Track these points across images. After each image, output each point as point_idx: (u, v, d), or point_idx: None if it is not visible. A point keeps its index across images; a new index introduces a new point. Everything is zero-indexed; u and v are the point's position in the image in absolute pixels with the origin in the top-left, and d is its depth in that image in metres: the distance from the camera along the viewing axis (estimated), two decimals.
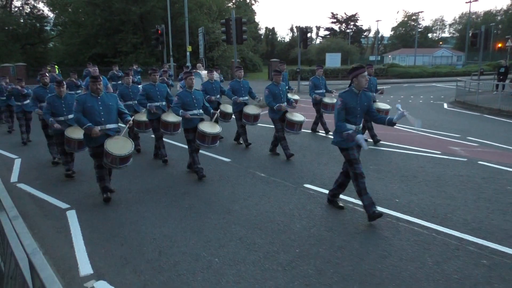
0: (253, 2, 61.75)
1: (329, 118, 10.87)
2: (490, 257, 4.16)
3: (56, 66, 21.95)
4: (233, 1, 56.46)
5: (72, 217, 5.53)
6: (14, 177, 7.50)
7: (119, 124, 6.13)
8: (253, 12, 60.51)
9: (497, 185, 6.44)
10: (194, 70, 16.20)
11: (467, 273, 3.86)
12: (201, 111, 7.04)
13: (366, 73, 4.97)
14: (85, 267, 4.18)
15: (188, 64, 27.03)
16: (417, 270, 3.95)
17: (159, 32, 22.24)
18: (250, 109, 8.97)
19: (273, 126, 8.43)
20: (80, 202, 6.07)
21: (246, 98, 9.18)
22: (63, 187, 6.83)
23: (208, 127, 6.90)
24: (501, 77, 21.43)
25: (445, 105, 18.40)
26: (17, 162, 8.56)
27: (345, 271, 3.97)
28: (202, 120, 7.01)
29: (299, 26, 25.98)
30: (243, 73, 9.41)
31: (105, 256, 4.42)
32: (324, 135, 10.74)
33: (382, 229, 4.90)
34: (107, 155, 5.69)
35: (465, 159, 8.05)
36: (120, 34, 36.19)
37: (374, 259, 4.20)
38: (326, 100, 10.23)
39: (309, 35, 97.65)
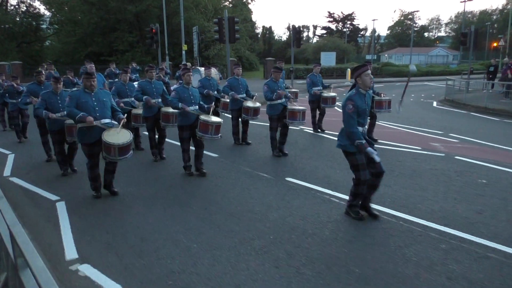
0: (249, 1, 62.18)
1: (328, 116, 11.19)
2: (449, 242, 4.47)
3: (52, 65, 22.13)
4: (230, 0, 56.86)
5: (61, 208, 5.80)
6: (7, 171, 7.75)
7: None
8: (249, 11, 60.88)
9: (468, 178, 6.76)
10: (193, 67, 16.25)
11: (424, 256, 4.16)
12: (197, 107, 7.10)
13: (369, 71, 4.86)
14: (71, 252, 4.46)
15: (184, 62, 27.32)
16: (379, 254, 4.25)
17: (153, 31, 22.54)
18: (251, 103, 9.06)
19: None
20: (69, 194, 6.33)
21: (244, 95, 9.30)
22: (54, 181, 7.10)
23: (209, 117, 6.93)
24: (490, 76, 21.79)
25: (435, 103, 18.74)
26: (11, 158, 8.82)
27: (313, 254, 4.27)
28: (198, 116, 7.02)
29: (293, 25, 26.24)
30: (241, 70, 9.54)
31: (90, 242, 4.70)
32: (311, 132, 11.01)
33: (352, 218, 5.19)
34: (105, 147, 5.66)
35: (443, 154, 8.36)
36: (116, 32, 36.46)
37: (342, 244, 4.50)
38: (325, 94, 10.37)
39: (306, 34, 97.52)
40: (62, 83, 7.37)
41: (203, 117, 6.84)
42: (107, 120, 5.92)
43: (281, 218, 5.25)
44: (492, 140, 9.94)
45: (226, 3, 53.13)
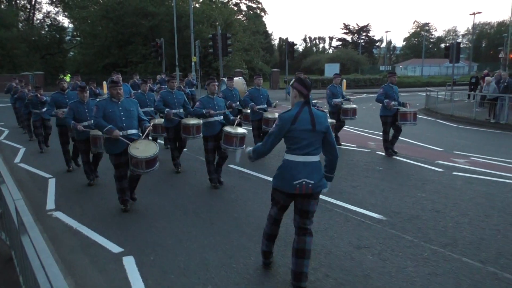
0: (262, 14, 64.76)
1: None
2: (334, 210, 5.98)
3: (68, 75, 24.64)
4: (243, 14, 59.37)
5: (51, 182, 7.79)
6: (17, 159, 9.83)
7: None
8: (262, 24, 63.28)
9: (370, 166, 8.47)
10: (221, 79, 15.98)
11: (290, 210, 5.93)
12: (221, 117, 7.23)
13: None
14: (51, 205, 6.44)
15: (193, 73, 29.51)
16: (260, 207, 6.04)
17: (158, 44, 24.78)
18: (271, 114, 9.26)
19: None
20: (60, 174, 8.33)
21: (264, 106, 9.45)
22: (51, 166, 9.08)
23: (233, 129, 7.01)
24: (472, 87, 23.16)
25: None
26: (22, 150, 10.91)
27: (216, 209, 6.09)
28: (224, 125, 7.13)
29: (286, 38, 28.18)
30: (262, 81, 9.73)
31: (66, 200, 6.67)
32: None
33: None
34: (132, 160, 5.67)
35: (369, 150, 10.05)
36: (131, 45, 39.23)
37: (239, 204, 6.32)
38: (345, 106, 10.28)
39: (321, 45, 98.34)
40: (88, 92, 7.56)
41: (227, 129, 6.89)
42: (134, 131, 6.01)
43: (216, 193, 6.99)
44: (426, 141, 11.57)
45: (240, 16, 55.70)
